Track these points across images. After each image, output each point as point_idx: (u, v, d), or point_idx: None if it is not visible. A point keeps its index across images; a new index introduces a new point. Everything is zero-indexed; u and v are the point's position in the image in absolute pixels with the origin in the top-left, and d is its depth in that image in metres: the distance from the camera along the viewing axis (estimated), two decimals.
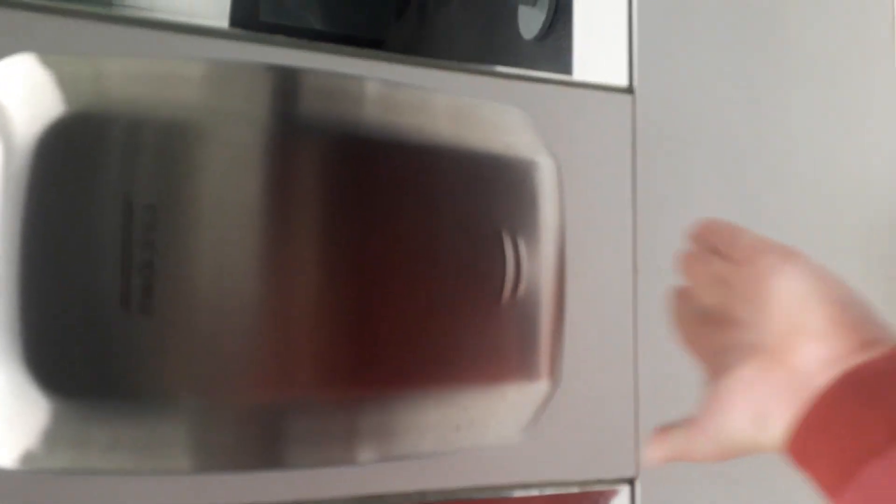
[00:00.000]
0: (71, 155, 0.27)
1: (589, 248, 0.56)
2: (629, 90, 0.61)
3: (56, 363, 0.27)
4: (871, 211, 0.70)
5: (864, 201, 0.70)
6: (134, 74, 0.30)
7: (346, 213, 0.31)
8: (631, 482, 0.52)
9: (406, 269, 0.31)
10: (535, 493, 0.39)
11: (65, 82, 0.28)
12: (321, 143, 0.31)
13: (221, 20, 3.70)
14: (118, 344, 0.28)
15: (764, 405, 0.30)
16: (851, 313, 0.30)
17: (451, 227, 0.33)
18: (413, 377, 0.31)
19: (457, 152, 0.34)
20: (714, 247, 0.39)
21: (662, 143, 0.62)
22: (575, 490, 0.48)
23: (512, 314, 0.34)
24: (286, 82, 0.32)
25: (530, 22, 2.37)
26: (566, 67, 0.75)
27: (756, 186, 0.65)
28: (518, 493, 0.37)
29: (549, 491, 0.42)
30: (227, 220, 0.29)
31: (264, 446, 0.29)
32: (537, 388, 0.35)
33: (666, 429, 0.33)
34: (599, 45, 0.64)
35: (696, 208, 0.63)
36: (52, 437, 0.28)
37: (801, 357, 0.29)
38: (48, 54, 0.29)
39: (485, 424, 0.33)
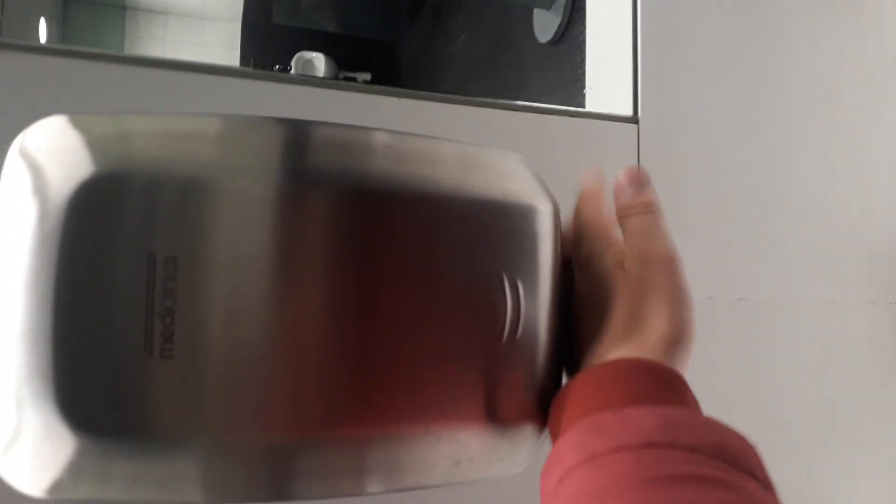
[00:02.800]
0: (98, 213, 0.29)
1: None
2: (634, 120, 0.62)
3: (83, 404, 0.30)
4: (873, 239, 0.71)
5: (866, 229, 0.71)
6: (154, 133, 0.32)
7: (352, 263, 0.32)
8: None
9: (409, 314, 0.33)
10: None
11: (92, 144, 0.30)
12: (329, 196, 0.32)
13: (234, 21, 3.73)
14: (140, 387, 0.30)
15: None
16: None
17: (453, 273, 0.35)
18: (415, 416, 0.33)
19: (459, 200, 0.35)
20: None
21: (666, 171, 0.64)
22: None
23: (511, 355, 0.36)
24: (296, 137, 0.33)
25: (546, 26, 2.37)
26: (580, 73, 0.76)
27: (758, 214, 0.66)
28: None
29: None
30: (239, 271, 0.31)
31: (275, 482, 0.31)
32: (534, 427, 0.37)
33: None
34: (607, 78, 0.66)
35: (700, 235, 0.65)
36: (78, 471, 0.30)
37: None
38: (77, 115, 0.32)
39: (486, 460, 0.35)
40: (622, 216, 0.39)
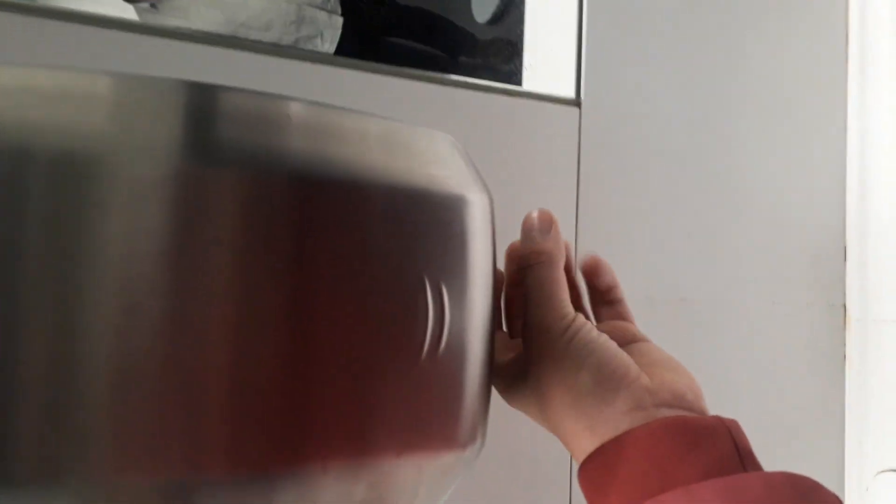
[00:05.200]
0: None
1: None
2: (576, 102, 0.57)
3: None
4: (815, 240, 0.69)
5: (809, 230, 0.68)
6: (21, 89, 0.24)
7: (260, 262, 0.26)
8: None
9: (322, 326, 0.27)
10: None
11: None
12: (236, 178, 0.26)
13: None
14: None
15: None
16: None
17: (370, 276, 0.29)
18: (315, 452, 0.27)
19: (381, 187, 0.29)
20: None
21: (607, 159, 0.59)
22: None
23: (432, 374, 0.30)
24: (201, 104, 0.26)
25: (484, 4, 2.31)
26: (517, 54, 0.71)
27: (702, 210, 0.63)
28: None
29: None
30: (120, 269, 0.24)
31: None
32: (458, 457, 0.31)
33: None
34: (548, 55, 0.60)
35: (640, 230, 0.61)
36: None
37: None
38: None
39: (395, 500, 0.29)
40: (526, 264, 0.36)
